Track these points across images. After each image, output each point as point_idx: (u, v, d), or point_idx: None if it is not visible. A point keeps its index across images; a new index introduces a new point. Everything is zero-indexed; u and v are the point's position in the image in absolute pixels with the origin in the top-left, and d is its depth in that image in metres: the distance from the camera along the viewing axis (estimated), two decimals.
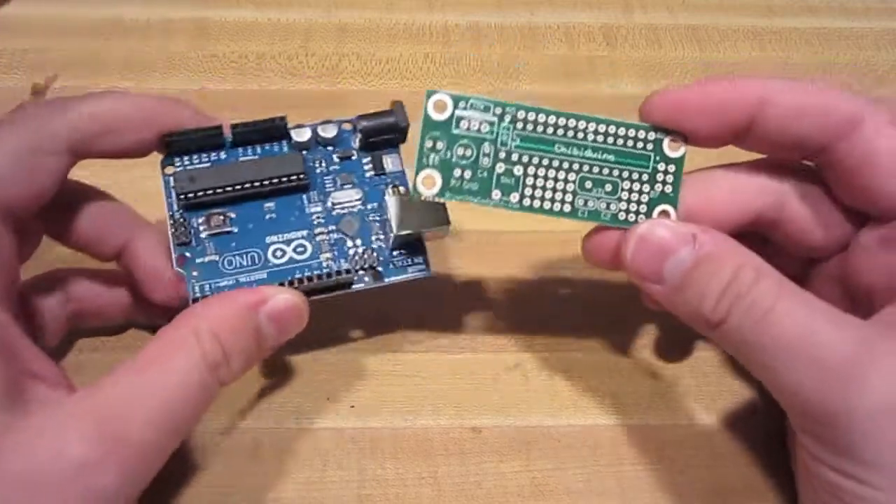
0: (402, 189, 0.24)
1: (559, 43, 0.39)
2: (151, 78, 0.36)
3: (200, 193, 0.23)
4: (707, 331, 0.20)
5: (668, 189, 0.22)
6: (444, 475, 0.24)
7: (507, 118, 0.21)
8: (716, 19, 0.41)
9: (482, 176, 0.20)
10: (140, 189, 0.25)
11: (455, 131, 0.20)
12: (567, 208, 0.21)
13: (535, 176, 0.21)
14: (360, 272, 0.23)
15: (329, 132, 0.24)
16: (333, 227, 0.24)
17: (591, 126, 0.21)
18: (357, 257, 0.23)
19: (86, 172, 0.24)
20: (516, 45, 0.39)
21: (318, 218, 0.24)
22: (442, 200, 0.21)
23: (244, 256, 0.23)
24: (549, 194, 0.21)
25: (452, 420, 0.26)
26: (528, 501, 0.24)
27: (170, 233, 0.23)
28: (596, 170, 0.21)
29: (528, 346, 0.27)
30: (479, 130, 0.21)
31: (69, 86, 0.36)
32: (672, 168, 0.22)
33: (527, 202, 0.21)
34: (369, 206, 0.24)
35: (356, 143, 0.25)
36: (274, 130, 0.24)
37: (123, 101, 0.22)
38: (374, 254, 0.23)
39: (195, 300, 0.22)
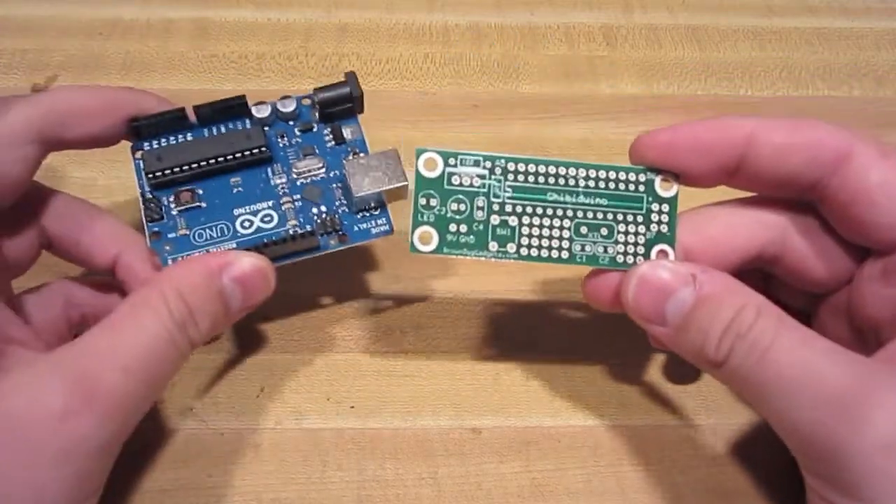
0: (361, 154, 0.25)
1: (559, 43, 0.39)
2: (151, 78, 0.36)
3: (168, 171, 0.24)
4: (711, 370, 0.20)
5: (665, 229, 0.22)
6: (444, 475, 0.24)
7: (498, 170, 0.21)
8: (716, 19, 0.41)
9: (478, 229, 0.21)
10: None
11: (447, 187, 0.21)
12: (565, 255, 0.21)
13: (531, 225, 0.21)
14: (326, 235, 0.24)
15: (288, 107, 0.25)
16: (298, 196, 0.24)
17: (582, 172, 0.21)
18: (322, 222, 0.24)
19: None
20: (516, 45, 0.39)
21: (283, 188, 0.24)
22: (439, 256, 0.21)
23: (213, 229, 0.24)
24: (545, 242, 0.21)
25: (452, 420, 0.26)
26: (527, 502, 0.24)
27: (142, 211, 0.24)
28: (590, 215, 0.21)
29: (528, 347, 0.27)
30: (471, 185, 0.21)
31: (69, 86, 0.36)
32: (666, 207, 0.22)
33: (524, 251, 0.21)
34: (331, 174, 0.25)
35: (315, 116, 0.26)
36: (235, 109, 0.25)
37: (83, 92, 0.23)
38: (338, 217, 0.24)
39: None
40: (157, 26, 0.39)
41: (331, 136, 0.25)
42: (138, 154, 0.24)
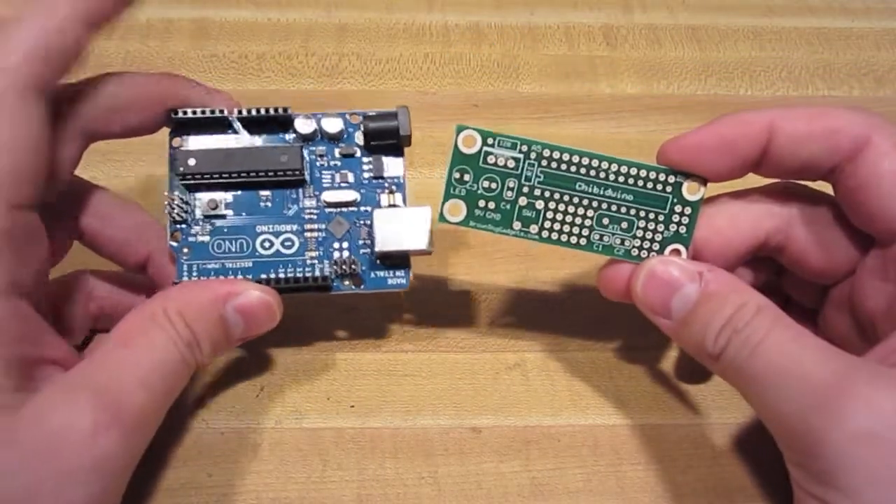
0: (396, 197, 0.24)
1: (559, 43, 0.39)
2: None
3: (200, 176, 0.23)
4: (709, 364, 0.21)
5: (683, 230, 0.22)
6: (444, 475, 0.24)
7: (533, 155, 0.22)
8: (716, 19, 0.41)
9: (505, 208, 0.21)
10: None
11: (482, 165, 0.21)
12: (583, 241, 0.22)
13: (556, 210, 0.22)
14: (341, 276, 0.24)
15: (333, 127, 0.24)
16: (323, 226, 0.24)
17: (614, 167, 0.22)
18: (340, 262, 0.23)
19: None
20: (516, 45, 0.39)
21: (311, 213, 0.24)
22: (466, 227, 0.22)
23: (234, 242, 0.23)
24: (566, 228, 0.22)
25: (452, 420, 0.26)
26: (528, 501, 0.24)
27: (166, 210, 0.23)
28: (614, 208, 0.22)
29: (528, 346, 0.27)
30: (505, 166, 0.21)
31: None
32: (689, 210, 0.22)
33: (545, 234, 0.22)
34: (362, 210, 0.24)
35: (359, 141, 0.25)
36: (279, 120, 0.24)
37: (128, 83, 0.23)
38: (358, 259, 0.24)
39: (174, 284, 0.23)
40: (157, 26, 0.39)
41: (371, 167, 0.24)
42: (176, 141, 0.24)
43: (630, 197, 0.22)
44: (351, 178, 0.24)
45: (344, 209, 0.24)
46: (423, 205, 0.23)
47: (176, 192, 0.24)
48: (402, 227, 0.23)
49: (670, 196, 0.22)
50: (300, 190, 0.24)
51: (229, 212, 0.24)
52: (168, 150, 0.24)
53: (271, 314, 0.23)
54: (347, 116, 0.24)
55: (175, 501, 0.23)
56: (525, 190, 0.22)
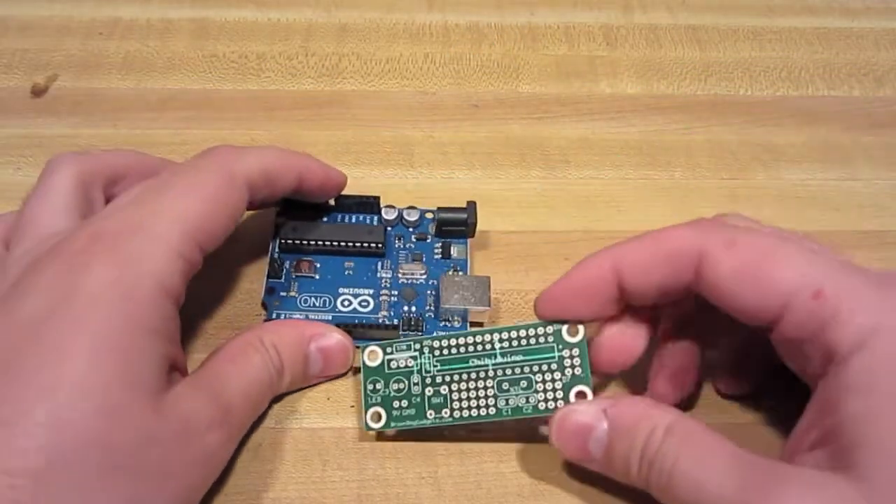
0: (459, 272, 0.28)
1: (559, 43, 0.39)
2: (151, 78, 0.36)
3: (297, 241, 0.27)
4: (646, 489, 0.21)
5: (578, 371, 0.23)
6: (443, 475, 0.24)
7: (426, 350, 0.24)
8: (716, 19, 0.41)
9: (416, 401, 0.24)
10: None
11: (388, 371, 0.24)
12: (493, 411, 0.23)
13: (459, 390, 0.24)
14: (408, 331, 0.26)
15: (412, 216, 0.29)
16: (396, 292, 0.27)
17: (496, 336, 0.24)
18: (407, 319, 0.26)
19: None
20: (516, 45, 0.39)
21: (386, 282, 0.28)
22: (390, 431, 0.24)
23: (318, 299, 0.27)
24: (473, 402, 0.23)
25: None
26: (528, 501, 0.24)
27: (266, 268, 0.27)
28: (509, 371, 0.24)
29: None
30: (406, 366, 0.24)
31: (69, 86, 0.36)
32: (576, 352, 0.23)
33: (457, 414, 0.23)
34: (430, 282, 0.28)
35: (432, 230, 0.29)
36: (369, 206, 0.29)
37: (279, 154, 0.25)
38: (423, 319, 0.27)
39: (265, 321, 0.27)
40: (157, 26, 0.39)
41: (440, 250, 0.29)
42: (280, 220, 0.28)
43: (520, 357, 0.24)
44: (423, 256, 0.28)
45: (415, 281, 0.28)
46: (485, 275, 0.27)
47: (276, 254, 0.28)
48: (464, 290, 0.26)
49: (555, 344, 0.23)
50: (379, 262, 0.28)
51: (317, 275, 0.27)
52: (274, 219, 0.28)
53: (346, 357, 0.26)
54: (423, 213, 0.29)
55: None
56: (428, 381, 0.24)
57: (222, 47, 0.38)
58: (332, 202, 0.28)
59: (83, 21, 0.39)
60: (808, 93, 0.38)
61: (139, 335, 0.20)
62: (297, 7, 0.40)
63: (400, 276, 0.28)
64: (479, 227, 0.29)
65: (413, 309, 0.27)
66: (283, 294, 0.27)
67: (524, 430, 0.25)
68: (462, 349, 0.24)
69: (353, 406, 0.26)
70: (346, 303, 0.27)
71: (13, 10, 0.39)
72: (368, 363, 0.25)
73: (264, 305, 0.27)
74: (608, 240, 0.30)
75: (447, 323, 0.27)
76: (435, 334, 0.25)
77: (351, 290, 0.27)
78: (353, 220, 0.29)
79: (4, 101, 0.35)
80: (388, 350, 0.25)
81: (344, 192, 0.28)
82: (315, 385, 0.26)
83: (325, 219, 0.29)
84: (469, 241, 0.29)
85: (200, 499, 0.22)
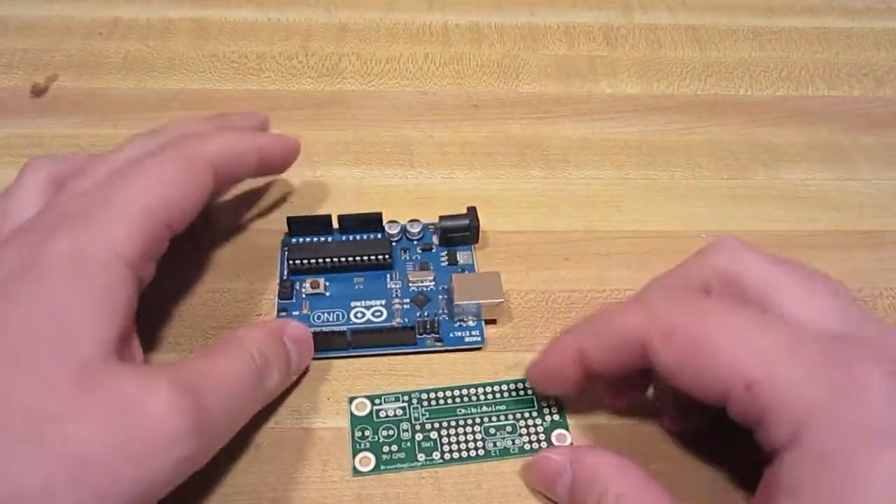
0: (468, 272, 0.29)
1: (559, 43, 0.39)
2: (151, 78, 0.36)
3: (305, 262, 0.28)
4: None
5: (556, 416, 0.25)
6: (444, 475, 0.24)
7: (415, 401, 0.26)
8: (716, 19, 0.41)
9: (407, 446, 0.25)
10: None
11: (377, 420, 0.25)
12: (482, 452, 0.25)
13: (449, 435, 0.25)
14: (424, 335, 0.27)
15: (415, 228, 0.30)
16: (408, 300, 0.28)
17: (481, 390, 0.26)
18: (423, 323, 0.27)
19: None
20: (516, 45, 0.39)
21: (396, 292, 0.28)
22: (377, 475, 0.24)
23: (331, 314, 0.27)
24: (463, 445, 0.25)
25: None
26: (528, 501, 0.24)
27: (276, 290, 0.28)
28: (494, 419, 0.25)
29: (528, 346, 0.27)
30: (395, 415, 0.25)
31: (69, 86, 0.36)
32: (553, 400, 0.26)
33: (447, 456, 0.25)
34: (440, 287, 0.28)
35: (436, 240, 0.30)
36: (371, 223, 0.29)
37: (239, 138, 0.26)
38: (438, 322, 0.27)
39: None
40: (157, 26, 0.39)
41: (446, 258, 0.29)
42: (286, 247, 0.29)
43: (503, 406, 0.26)
44: (430, 265, 0.29)
45: (424, 288, 0.28)
46: (493, 271, 0.27)
47: (286, 275, 0.28)
48: (476, 286, 0.27)
49: (534, 396, 0.26)
50: (387, 275, 0.29)
51: (328, 292, 0.28)
52: (280, 250, 0.29)
53: (311, 345, 0.26)
54: (426, 226, 0.30)
55: (175, 501, 0.23)
56: (417, 427, 0.25)
57: (222, 47, 0.38)
58: (335, 223, 0.29)
59: (83, 21, 0.39)
60: (808, 93, 0.38)
61: (83, 303, 0.20)
62: (297, 7, 0.40)
63: (410, 284, 0.28)
64: (479, 228, 0.29)
65: (426, 313, 0.27)
66: (295, 313, 0.27)
67: None
68: (449, 400, 0.26)
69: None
70: (359, 315, 0.27)
71: (13, 10, 0.39)
72: (356, 413, 0.25)
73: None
74: (608, 240, 0.31)
75: (461, 322, 0.27)
76: (421, 389, 0.26)
77: (363, 302, 0.28)
78: (358, 238, 0.30)
79: (4, 101, 0.35)
80: (377, 402, 0.26)
81: (346, 213, 0.29)
82: (314, 385, 0.26)
83: (329, 238, 0.29)
84: (473, 246, 0.30)
85: (159, 496, 0.20)
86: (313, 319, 0.27)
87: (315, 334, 0.26)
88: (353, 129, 0.35)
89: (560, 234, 0.31)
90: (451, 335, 0.27)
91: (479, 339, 0.27)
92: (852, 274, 0.29)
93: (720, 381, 0.19)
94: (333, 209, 0.30)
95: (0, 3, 0.40)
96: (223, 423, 0.22)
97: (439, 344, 0.27)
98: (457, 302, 0.27)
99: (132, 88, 0.36)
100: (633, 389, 0.25)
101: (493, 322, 0.28)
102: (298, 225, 0.29)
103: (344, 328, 0.27)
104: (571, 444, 0.25)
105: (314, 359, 0.26)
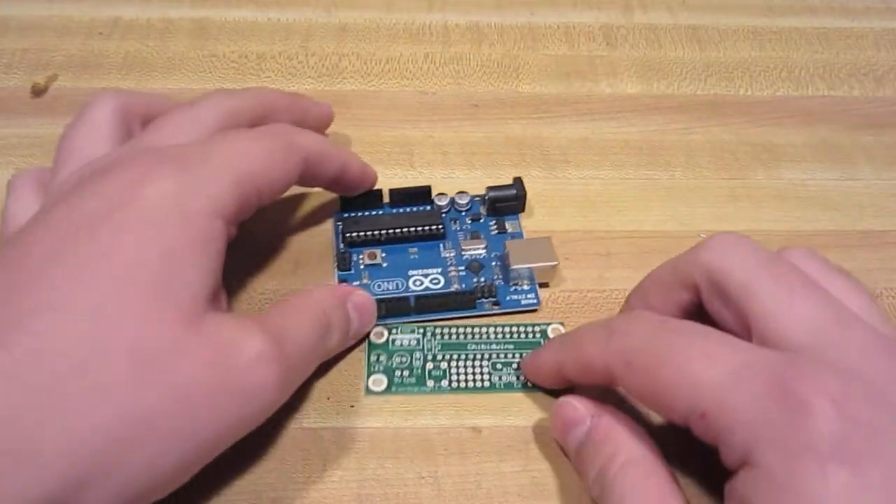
0: (518, 239, 0.30)
1: (559, 43, 0.40)
2: (151, 78, 0.36)
3: (361, 234, 0.29)
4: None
5: None
6: (444, 475, 0.24)
7: (429, 334, 0.27)
8: (716, 19, 0.41)
9: (418, 373, 0.26)
10: None
11: (391, 348, 0.27)
12: (487, 384, 0.26)
13: (458, 367, 0.26)
14: (483, 299, 0.28)
15: (464, 200, 0.31)
16: (463, 267, 0.29)
17: (492, 329, 0.27)
18: (480, 288, 0.28)
19: None
20: (516, 45, 0.39)
21: (451, 260, 0.29)
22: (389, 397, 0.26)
23: (390, 283, 0.29)
24: (471, 377, 0.26)
25: (452, 420, 0.26)
26: (528, 501, 0.24)
27: (334, 263, 0.29)
28: (502, 356, 0.27)
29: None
30: (409, 345, 0.27)
31: (69, 86, 0.36)
32: None
33: (455, 384, 0.26)
34: (492, 255, 0.29)
35: (484, 210, 0.31)
36: (421, 196, 0.30)
37: (329, 143, 0.28)
38: (495, 287, 0.28)
39: None
40: (157, 26, 0.39)
41: (495, 227, 0.30)
42: (339, 222, 0.30)
43: (511, 346, 0.27)
44: (480, 234, 0.30)
45: (478, 255, 0.29)
46: (544, 236, 0.29)
47: (342, 248, 0.29)
48: (529, 250, 0.28)
49: (541, 339, 0.27)
50: (440, 245, 0.30)
51: (384, 263, 0.29)
52: (333, 225, 0.30)
53: (373, 313, 0.27)
54: (473, 197, 0.31)
55: (175, 501, 0.23)
56: (429, 357, 0.27)
57: (222, 47, 0.38)
58: (386, 197, 0.30)
59: (83, 21, 0.39)
60: (808, 93, 0.38)
61: (186, 247, 0.21)
62: (297, 7, 0.40)
63: (463, 252, 0.29)
64: (526, 197, 0.30)
65: (482, 279, 0.29)
66: (355, 283, 0.28)
67: None
68: (461, 336, 0.27)
69: (353, 406, 0.26)
70: (417, 283, 0.28)
71: (13, 10, 0.39)
72: (374, 340, 0.27)
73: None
74: (608, 240, 0.31)
75: (516, 286, 0.28)
76: (436, 324, 0.27)
77: (420, 271, 0.29)
78: (410, 210, 0.31)
79: (4, 101, 0.35)
80: (394, 331, 0.27)
81: (395, 187, 0.30)
82: (315, 384, 0.26)
83: (381, 211, 0.31)
84: (520, 214, 0.31)
85: (235, 439, 0.21)
86: (374, 288, 0.28)
87: (380, 301, 0.27)
88: (353, 129, 0.35)
89: (560, 234, 0.31)
90: (507, 299, 0.28)
91: (535, 301, 0.28)
92: (852, 274, 0.29)
93: (679, 411, 0.20)
94: (332, 209, 0.30)
95: (0, 3, 0.40)
96: (297, 376, 0.23)
97: (497, 307, 0.28)
98: (512, 266, 0.28)
99: (132, 88, 0.36)
100: None
101: (545, 285, 0.29)
102: (350, 200, 0.30)
103: (407, 295, 0.28)
104: None
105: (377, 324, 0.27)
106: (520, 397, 0.26)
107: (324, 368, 0.26)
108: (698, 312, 0.23)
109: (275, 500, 0.24)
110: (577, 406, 0.23)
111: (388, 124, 0.35)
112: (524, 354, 0.26)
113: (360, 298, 0.26)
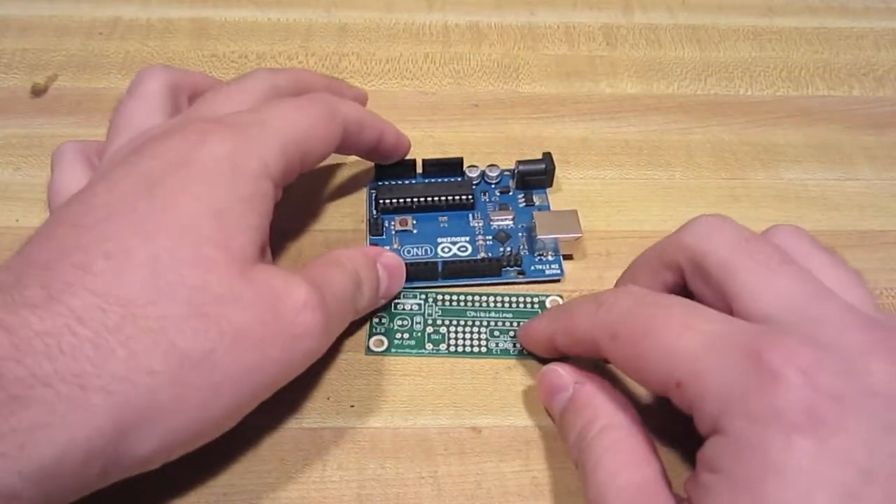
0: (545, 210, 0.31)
1: (559, 43, 0.40)
2: None
3: (394, 201, 0.30)
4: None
5: None
6: (444, 475, 0.24)
7: (430, 300, 0.28)
8: (716, 19, 0.41)
9: (417, 336, 0.27)
10: None
11: (394, 311, 0.28)
12: (484, 350, 0.27)
13: (457, 332, 0.27)
14: (508, 267, 0.29)
15: (494, 172, 0.32)
16: (490, 237, 0.30)
17: (491, 298, 0.28)
18: (506, 256, 0.29)
19: None
20: (516, 45, 0.39)
21: (479, 229, 0.30)
22: (389, 356, 0.27)
23: (420, 248, 0.30)
24: (468, 342, 0.27)
25: (452, 420, 0.26)
26: (528, 501, 0.24)
27: (366, 228, 0.30)
28: (500, 323, 0.28)
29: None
30: (411, 309, 0.28)
31: (69, 86, 0.36)
32: None
33: (453, 349, 0.27)
34: (519, 226, 0.30)
35: (513, 184, 0.32)
36: (452, 167, 0.32)
37: (369, 111, 0.29)
38: (520, 256, 0.29)
39: None
40: (157, 26, 0.39)
41: (523, 200, 0.31)
42: (374, 190, 0.31)
43: (509, 314, 0.28)
44: (509, 206, 0.31)
45: (505, 226, 0.30)
46: (570, 209, 0.30)
47: (374, 214, 0.30)
48: (555, 222, 0.29)
49: (538, 309, 0.28)
50: (470, 214, 0.31)
51: (415, 230, 0.30)
52: (367, 192, 0.32)
53: (402, 273, 0.27)
54: (503, 171, 0.32)
55: (174, 501, 0.23)
56: (430, 322, 0.28)
57: (222, 47, 0.38)
58: (419, 168, 0.32)
59: (83, 21, 0.39)
60: (808, 93, 0.38)
61: (239, 204, 0.22)
62: (297, 7, 0.40)
63: (491, 223, 0.30)
64: (554, 172, 0.31)
65: (508, 249, 0.30)
66: (387, 248, 0.29)
67: None
68: (461, 303, 0.28)
69: (353, 406, 0.26)
70: (446, 249, 0.29)
71: (13, 10, 0.39)
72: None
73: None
74: (608, 240, 0.31)
75: (541, 256, 0.29)
76: (437, 291, 0.28)
77: (449, 238, 0.30)
78: (441, 180, 0.32)
79: (4, 101, 0.35)
80: (396, 296, 0.28)
81: (428, 157, 0.31)
82: (314, 385, 0.26)
83: (413, 181, 0.32)
84: (548, 189, 0.32)
85: (281, 384, 0.22)
86: (403, 254, 0.29)
87: (409, 265, 0.28)
88: None
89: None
90: (532, 268, 0.29)
91: (558, 271, 0.29)
92: None
93: (658, 381, 0.21)
94: (334, 209, 0.30)
95: (0, 3, 0.40)
96: (335, 326, 0.24)
97: (522, 276, 0.29)
98: (538, 237, 0.28)
99: None
100: None
101: (569, 258, 0.30)
102: (384, 169, 0.31)
103: (435, 260, 0.29)
104: None
105: (406, 287, 0.28)
106: (520, 397, 0.26)
107: (324, 368, 0.27)
108: (684, 294, 0.24)
109: (275, 500, 0.24)
110: (561, 373, 0.24)
111: None
112: (521, 323, 0.27)
113: (390, 259, 0.27)
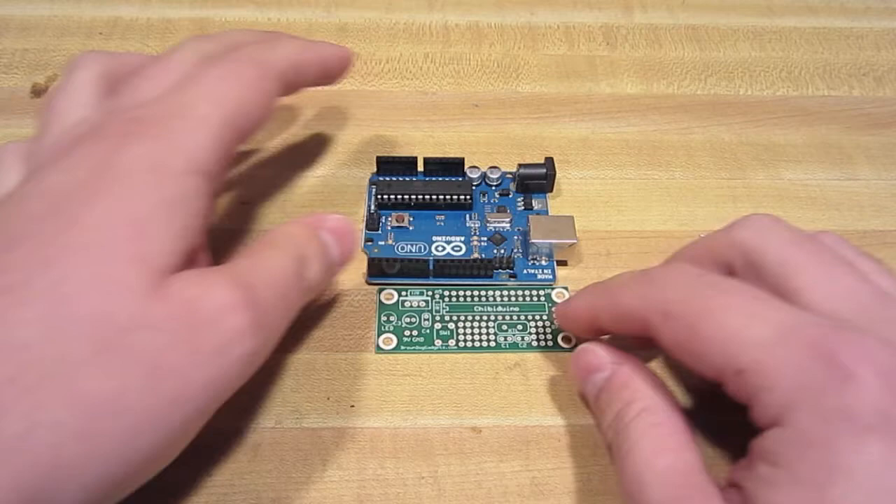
0: (542, 215, 0.31)
1: (559, 43, 0.40)
2: None
3: (392, 197, 0.30)
4: (607, 451, 0.23)
5: None
6: (444, 475, 0.24)
7: (437, 296, 0.28)
8: (716, 19, 0.41)
9: (426, 332, 0.27)
10: None
11: (401, 308, 0.28)
12: (493, 344, 0.27)
13: (465, 328, 0.28)
14: (500, 269, 0.29)
15: (495, 174, 0.32)
16: (485, 238, 0.30)
17: (498, 292, 0.29)
18: (499, 259, 0.29)
19: None
20: (516, 45, 0.39)
21: (475, 230, 0.30)
22: (399, 354, 0.27)
23: (414, 246, 0.30)
24: (477, 337, 0.27)
25: (452, 420, 0.26)
26: (528, 501, 0.24)
27: (364, 222, 0.30)
28: (508, 317, 0.28)
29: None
30: (418, 306, 0.28)
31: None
32: None
33: (462, 344, 0.27)
34: (516, 229, 0.30)
35: (513, 187, 0.32)
36: (454, 167, 0.32)
37: (303, 46, 0.27)
38: (513, 259, 0.29)
39: None
40: (157, 26, 0.39)
41: (522, 203, 0.31)
42: (373, 185, 0.31)
43: (517, 308, 0.28)
44: (507, 208, 0.31)
45: (502, 228, 0.30)
46: (567, 214, 0.29)
47: (373, 209, 0.31)
48: (550, 227, 0.29)
49: (545, 303, 0.28)
50: (467, 214, 0.31)
51: (411, 226, 0.30)
52: (367, 187, 0.32)
53: (353, 232, 0.26)
54: (504, 173, 0.32)
55: (174, 501, 0.23)
56: (437, 318, 0.28)
57: None
58: (420, 166, 0.32)
59: (83, 21, 0.39)
60: (808, 93, 0.38)
61: (160, 209, 0.20)
62: (297, 7, 0.40)
63: (488, 224, 0.30)
64: (555, 177, 0.31)
65: (502, 251, 0.30)
66: (381, 243, 0.30)
67: None
68: (469, 298, 0.28)
69: (353, 406, 0.26)
70: (439, 248, 0.30)
71: (13, 10, 0.39)
72: (385, 302, 0.28)
73: (365, 253, 0.30)
74: (608, 240, 0.31)
75: (535, 261, 0.29)
76: (444, 287, 0.29)
77: (444, 237, 0.30)
78: (441, 179, 0.32)
79: (4, 101, 0.35)
80: (403, 293, 0.28)
81: (430, 156, 0.32)
82: (314, 385, 0.26)
83: (414, 178, 0.32)
84: (548, 194, 0.32)
85: (222, 401, 0.20)
86: (397, 250, 0.29)
87: (400, 261, 0.28)
88: (354, 128, 0.35)
89: None
90: (524, 272, 0.29)
91: (550, 277, 0.29)
92: None
93: (714, 366, 0.20)
94: (332, 208, 0.30)
95: (0, 3, 0.40)
96: (276, 316, 0.22)
97: (513, 280, 0.29)
98: (532, 240, 0.28)
99: None
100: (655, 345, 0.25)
101: (563, 264, 0.30)
102: (386, 164, 0.31)
103: (426, 258, 0.29)
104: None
105: (406, 284, 0.28)
106: (520, 397, 0.26)
107: (324, 368, 0.27)
108: None
109: (275, 500, 0.24)
110: (599, 353, 0.24)
111: (388, 124, 0.35)
112: (531, 315, 0.28)
113: (335, 223, 0.25)
